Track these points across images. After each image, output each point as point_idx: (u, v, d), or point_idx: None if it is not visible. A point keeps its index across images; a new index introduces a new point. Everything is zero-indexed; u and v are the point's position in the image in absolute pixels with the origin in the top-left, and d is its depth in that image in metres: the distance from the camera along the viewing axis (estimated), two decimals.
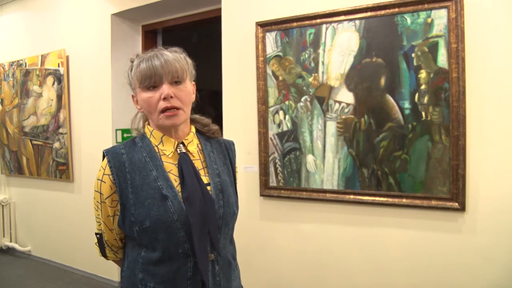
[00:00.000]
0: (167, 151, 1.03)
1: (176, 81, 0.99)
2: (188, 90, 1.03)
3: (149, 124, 1.08)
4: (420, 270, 1.85)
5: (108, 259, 1.16)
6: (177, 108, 0.99)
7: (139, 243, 1.01)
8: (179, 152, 1.04)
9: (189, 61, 1.06)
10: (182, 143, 1.05)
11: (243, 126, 2.28)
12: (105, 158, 1.01)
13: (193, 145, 1.08)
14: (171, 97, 0.97)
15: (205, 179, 1.04)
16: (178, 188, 1.00)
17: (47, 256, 3.59)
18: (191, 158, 1.05)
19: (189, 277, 0.98)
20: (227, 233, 1.08)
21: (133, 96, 1.07)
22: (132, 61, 1.04)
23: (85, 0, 3.12)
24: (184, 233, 0.96)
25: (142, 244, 1.00)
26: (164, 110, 0.98)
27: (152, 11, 2.90)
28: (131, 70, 1.03)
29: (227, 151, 1.15)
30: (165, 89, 0.97)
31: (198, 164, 1.06)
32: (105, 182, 1.01)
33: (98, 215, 1.07)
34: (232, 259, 1.11)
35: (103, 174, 1.01)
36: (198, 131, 1.13)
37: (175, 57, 1.00)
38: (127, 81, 1.07)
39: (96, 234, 1.12)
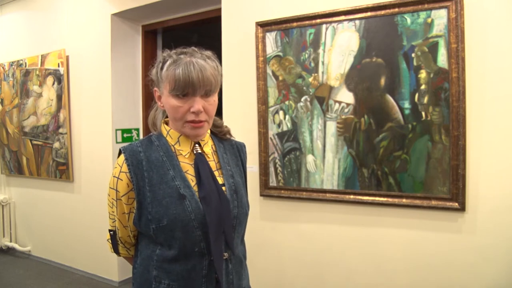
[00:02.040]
0: (183, 151, 1.04)
1: (207, 93, 0.99)
2: (216, 103, 1.03)
3: (166, 122, 1.08)
4: (420, 270, 1.85)
5: (120, 256, 1.17)
6: (204, 121, 1.00)
7: (154, 240, 1.02)
8: (195, 152, 1.05)
9: (220, 69, 1.04)
10: (198, 143, 1.07)
11: (243, 126, 2.28)
12: (122, 156, 1.02)
13: (208, 146, 1.09)
14: (201, 112, 0.98)
15: (219, 180, 1.06)
16: (195, 188, 1.01)
17: (47, 256, 3.59)
18: (206, 159, 1.06)
19: (204, 275, 1.00)
20: (240, 233, 1.10)
21: (155, 91, 1.06)
22: (164, 59, 1.01)
23: (85, 0, 3.12)
24: (201, 232, 0.98)
25: (157, 241, 1.01)
26: (190, 122, 0.99)
27: (152, 11, 2.90)
28: (161, 68, 1.00)
29: (238, 153, 1.18)
30: (197, 104, 0.96)
31: (212, 165, 1.07)
32: (122, 180, 1.01)
33: (113, 212, 1.08)
34: (243, 258, 1.13)
35: (120, 171, 1.02)
36: (211, 132, 1.15)
37: (210, 68, 0.98)
38: (153, 76, 1.05)
39: (110, 230, 1.12)
